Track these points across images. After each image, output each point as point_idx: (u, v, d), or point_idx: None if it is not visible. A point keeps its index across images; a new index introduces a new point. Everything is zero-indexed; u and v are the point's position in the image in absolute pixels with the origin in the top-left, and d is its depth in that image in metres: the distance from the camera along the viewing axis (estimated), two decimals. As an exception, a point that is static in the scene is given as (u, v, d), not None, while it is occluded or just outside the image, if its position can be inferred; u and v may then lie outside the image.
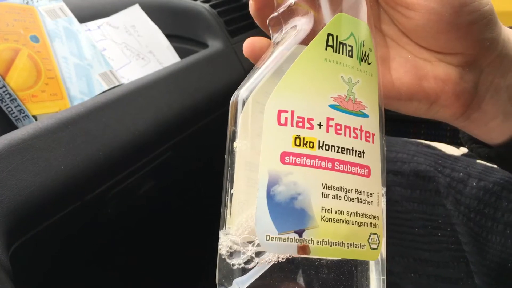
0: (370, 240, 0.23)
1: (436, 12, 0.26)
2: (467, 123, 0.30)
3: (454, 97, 0.28)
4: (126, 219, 0.61)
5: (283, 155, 0.21)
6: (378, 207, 0.24)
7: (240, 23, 0.75)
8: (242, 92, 0.23)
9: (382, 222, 0.24)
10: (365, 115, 0.24)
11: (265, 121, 0.22)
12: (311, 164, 0.22)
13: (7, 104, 0.48)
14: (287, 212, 0.21)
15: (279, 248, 0.21)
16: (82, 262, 0.57)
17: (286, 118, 0.22)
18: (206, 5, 0.73)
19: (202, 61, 0.64)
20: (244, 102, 0.23)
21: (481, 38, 0.27)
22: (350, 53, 0.24)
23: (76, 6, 0.63)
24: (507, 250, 0.37)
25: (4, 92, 0.48)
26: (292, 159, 0.21)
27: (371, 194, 0.23)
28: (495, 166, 0.42)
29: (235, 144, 0.23)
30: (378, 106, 0.25)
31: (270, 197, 0.21)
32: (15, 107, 0.48)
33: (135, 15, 0.70)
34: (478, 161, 0.43)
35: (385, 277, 0.24)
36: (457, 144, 0.51)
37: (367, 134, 0.24)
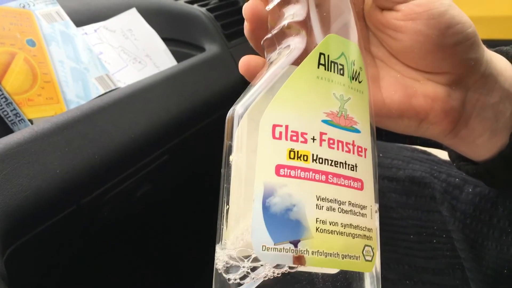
0: (364, 252, 0.23)
1: (423, 34, 0.27)
2: (455, 140, 0.31)
3: (442, 114, 0.29)
4: (122, 222, 0.60)
5: (278, 168, 0.22)
6: (372, 220, 0.24)
7: (237, 27, 0.75)
8: (238, 108, 0.24)
9: (376, 235, 0.24)
10: (357, 131, 0.24)
11: (260, 135, 0.22)
12: (305, 176, 0.22)
13: (3, 108, 0.48)
14: (283, 223, 0.21)
15: (275, 258, 0.21)
16: (78, 265, 0.57)
17: (280, 132, 0.22)
18: (203, 9, 0.73)
19: (199, 65, 0.64)
20: (239, 118, 0.23)
21: (465, 58, 0.28)
22: (341, 71, 0.24)
23: (73, 10, 0.63)
24: (503, 257, 0.37)
25: (0, 95, 0.48)
26: (287, 171, 0.22)
27: (364, 207, 0.24)
28: None
29: (231, 157, 0.24)
30: (370, 122, 0.25)
31: (265, 208, 0.21)
32: (11, 111, 0.48)
33: (132, 18, 0.70)
34: None
35: (379, 278, 0.24)
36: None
37: (359, 149, 0.24)
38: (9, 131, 0.48)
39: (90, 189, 0.44)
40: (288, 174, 0.22)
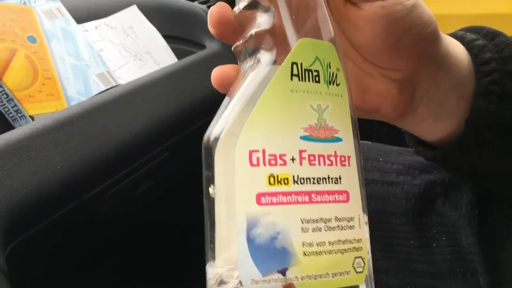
0: (354, 265, 0.22)
1: (381, 37, 0.27)
2: (401, 124, 0.33)
3: (391, 108, 0.31)
4: (123, 219, 0.61)
5: (259, 196, 0.21)
6: (360, 230, 0.23)
7: (237, 25, 0.75)
8: (213, 135, 0.23)
9: (365, 243, 0.24)
10: (338, 139, 0.23)
11: (237, 163, 0.21)
12: (288, 201, 0.21)
13: (4, 104, 0.48)
14: (269, 253, 0.21)
15: None
16: (79, 262, 0.57)
17: (258, 158, 0.21)
18: (204, 6, 0.73)
19: (199, 62, 0.64)
20: (215, 146, 0.22)
21: (421, 56, 0.29)
22: (317, 78, 0.23)
23: (74, 6, 0.63)
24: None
25: (1, 92, 0.48)
26: (268, 199, 0.21)
27: (351, 219, 0.23)
28: None
29: (210, 190, 0.23)
30: (352, 124, 0.24)
31: (250, 240, 0.21)
32: (12, 107, 0.48)
33: (133, 16, 0.70)
34: None
35: (371, 278, 0.24)
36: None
37: (342, 158, 0.23)
38: (10, 127, 0.48)
39: (91, 185, 0.44)
40: (270, 201, 0.21)
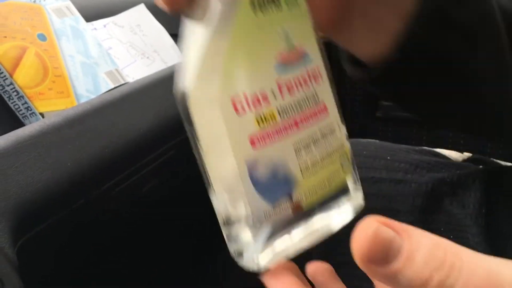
0: (342, 163, 0.24)
1: None
2: (336, 38, 0.32)
3: (326, 21, 0.29)
4: (129, 217, 0.61)
5: (252, 140, 0.22)
6: (341, 133, 0.25)
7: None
8: (187, 86, 0.23)
9: (345, 140, 0.25)
10: (307, 58, 0.23)
11: (223, 114, 0.21)
12: (279, 134, 0.22)
13: (15, 102, 0.49)
14: (273, 185, 0.22)
15: (277, 217, 0.22)
16: (85, 259, 0.57)
17: (242, 105, 0.21)
18: (211, 5, 0.73)
19: (206, 61, 0.64)
20: (191, 97, 0.22)
21: None
22: (278, 2, 0.23)
23: (83, 5, 0.63)
24: None
25: (11, 89, 0.48)
26: (261, 139, 0.22)
27: (333, 128, 0.24)
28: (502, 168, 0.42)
29: (198, 143, 0.23)
30: (315, 38, 0.24)
31: (255, 182, 0.22)
32: (22, 104, 0.48)
33: (140, 14, 0.70)
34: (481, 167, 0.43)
35: (354, 165, 0.25)
36: (459, 150, 0.51)
37: (314, 75, 0.24)
38: (21, 124, 0.49)
39: (99, 182, 0.44)
40: (263, 141, 0.22)
